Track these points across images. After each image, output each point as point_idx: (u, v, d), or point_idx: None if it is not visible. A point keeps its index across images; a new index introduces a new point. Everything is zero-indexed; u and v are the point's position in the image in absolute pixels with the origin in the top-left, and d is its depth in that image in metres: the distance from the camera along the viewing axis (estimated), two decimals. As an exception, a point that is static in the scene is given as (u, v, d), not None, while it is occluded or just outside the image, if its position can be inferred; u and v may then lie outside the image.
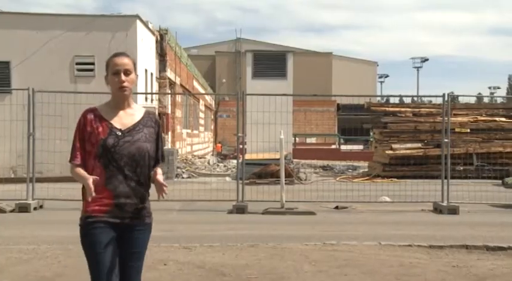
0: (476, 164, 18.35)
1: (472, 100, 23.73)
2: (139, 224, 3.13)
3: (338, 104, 40.40)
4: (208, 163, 23.37)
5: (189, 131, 28.69)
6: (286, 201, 10.35)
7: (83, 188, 3.03)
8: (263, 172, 15.56)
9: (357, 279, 5.58)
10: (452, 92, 15.96)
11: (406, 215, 10.27)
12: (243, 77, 33.71)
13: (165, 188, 3.06)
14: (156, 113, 18.93)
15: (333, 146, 33.66)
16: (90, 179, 2.94)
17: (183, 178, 17.60)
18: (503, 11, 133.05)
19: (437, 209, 10.52)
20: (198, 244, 7.07)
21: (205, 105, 36.80)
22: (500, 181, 12.55)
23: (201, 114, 34.40)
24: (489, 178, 16.02)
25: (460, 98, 22.67)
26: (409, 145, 19.27)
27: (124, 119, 3.12)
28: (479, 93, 56.31)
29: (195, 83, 31.98)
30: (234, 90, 36.05)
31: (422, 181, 13.33)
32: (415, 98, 27.05)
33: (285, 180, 10.46)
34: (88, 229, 3.05)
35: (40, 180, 11.41)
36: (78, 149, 3.09)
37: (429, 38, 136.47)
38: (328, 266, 6.05)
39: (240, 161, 11.22)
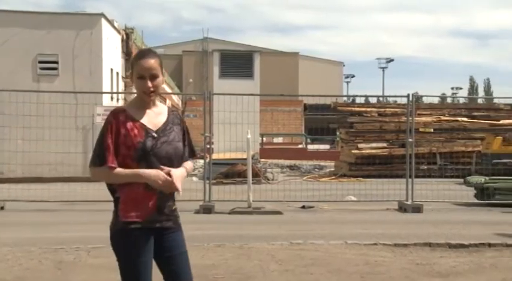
0: (440, 164, 18.68)
1: (436, 100, 24.12)
2: (175, 225, 3.05)
3: (305, 104, 40.60)
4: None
5: (156, 130, 28.43)
6: (253, 201, 10.35)
7: (112, 191, 2.92)
8: (230, 172, 15.55)
9: (323, 278, 5.60)
10: (416, 93, 16.11)
11: (372, 214, 10.39)
12: (210, 76, 33.59)
13: (179, 187, 2.91)
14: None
15: (300, 146, 33.80)
16: (160, 171, 2.83)
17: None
18: (461, 14, 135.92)
19: (402, 208, 10.67)
20: (164, 245, 7.00)
21: (172, 105, 36.58)
22: (462, 180, 12.77)
23: (168, 114, 34.13)
24: (452, 176, 16.33)
25: (424, 98, 23.05)
26: (374, 145, 19.52)
27: (154, 119, 2.98)
28: (443, 94, 57.39)
29: (162, 83, 31.70)
30: (201, 90, 35.89)
31: (388, 180, 13.50)
32: (381, 98, 27.44)
33: (252, 180, 10.47)
34: (130, 236, 2.87)
35: (1, 181, 11.16)
36: (113, 151, 2.87)
37: (394, 39, 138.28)
38: (294, 266, 6.07)
39: (207, 161, 11.18)
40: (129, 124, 2.90)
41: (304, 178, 17.90)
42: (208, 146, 11.44)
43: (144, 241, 2.89)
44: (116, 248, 2.93)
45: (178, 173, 2.91)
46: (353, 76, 69.82)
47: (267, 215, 10.00)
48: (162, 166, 2.86)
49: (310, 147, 33.38)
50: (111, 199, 2.96)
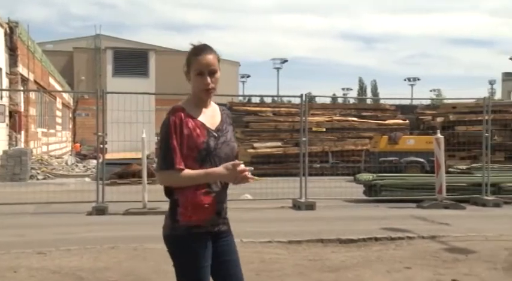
0: (332, 162, 19.40)
1: (328, 101, 24.99)
2: (228, 229, 2.91)
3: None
4: (66, 163, 22.34)
5: (45, 130, 27.24)
6: (148, 201, 10.18)
7: (168, 194, 2.80)
8: (124, 172, 15.22)
9: (218, 277, 5.63)
10: (309, 93, 16.65)
11: (267, 212, 10.57)
12: (103, 74, 32.65)
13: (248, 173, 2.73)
14: (7, 110, 17.75)
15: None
16: (227, 165, 2.67)
17: (38, 179, 16.68)
18: (351, 18, 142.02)
19: (296, 206, 10.95)
20: (53, 248, 6.71)
21: (63, 104, 35.17)
22: (352, 177, 13.34)
23: (58, 113, 32.81)
24: (343, 174, 17.00)
25: (316, 99, 23.88)
26: (269, 144, 19.89)
27: (211, 119, 2.84)
28: (334, 94, 59.53)
29: (51, 80, 30.44)
30: (93, 88, 34.78)
31: (282, 178, 13.79)
32: (275, 98, 27.98)
33: (148, 180, 10.29)
34: (192, 240, 2.73)
35: None
36: (179, 152, 2.70)
37: (288, 40, 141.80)
38: (190, 265, 6.03)
39: (100, 161, 10.86)
40: (191, 124, 2.74)
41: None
42: (101, 146, 11.13)
43: (205, 246, 2.76)
44: (175, 254, 2.79)
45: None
46: (248, 76, 70.73)
47: (162, 216, 9.79)
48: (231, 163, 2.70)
49: (207, 146, 33.39)
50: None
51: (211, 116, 2.84)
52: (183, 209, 2.74)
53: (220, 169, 2.69)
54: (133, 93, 12.42)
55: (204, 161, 2.72)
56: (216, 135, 2.78)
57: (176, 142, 2.70)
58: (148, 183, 10.25)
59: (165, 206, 9.75)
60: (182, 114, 2.75)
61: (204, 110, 2.83)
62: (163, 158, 2.72)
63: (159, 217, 10.47)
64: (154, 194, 11.16)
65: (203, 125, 2.77)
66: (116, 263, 6.10)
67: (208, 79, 2.75)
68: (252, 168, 2.74)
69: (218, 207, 2.78)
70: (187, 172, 2.70)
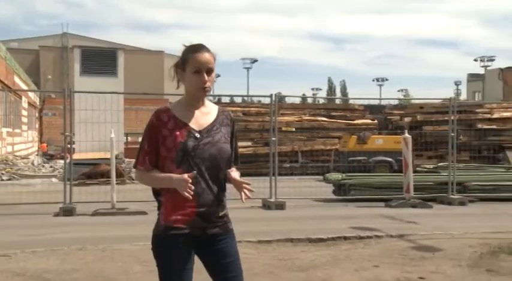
0: (301, 162, 19.48)
1: (297, 101, 25.11)
2: (223, 232, 2.82)
3: (170, 103, 40.32)
4: (33, 163, 21.96)
5: (10, 130, 26.71)
6: (117, 201, 10.08)
7: (156, 194, 2.79)
8: (93, 172, 15.03)
9: (188, 277, 5.60)
10: (279, 93, 16.67)
11: (237, 212, 10.44)
12: (70, 73, 32.21)
13: (248, 186, 2.77)
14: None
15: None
16: (184, 175, 2.59)
17: (2, 180, 16.36)
18: (319, 18, 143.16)
19: (266, 205, 10.96)
20: (18, 251, 6.58)
21: (29, 103, 34.52)
22: (322, 177, 13.43)
23: (24, 112, 32.22)
24: (312, 174, 17.10)
25: (286, 99, 23.94)
26: (239, 144, 19.84)
27: (200, 119, 2.77)
28: (304, 94, 59.82)
29: (16, 79, 29.84)
30: (60, 87, 34.28)
31: (253, 178, 13.76)
32: (245, 98, 27.99)
33: (116, 180, 10.20)
34: (167, 242, 2.71)
35: None
36: (148, 153, 2.72)
37: (258, 40, 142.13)
38: (159, 266, 5.99)
39: (67, 161, 10.70)
40: (171, 124, 2.71)
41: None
42: (69, 146, 10.98)
43: (184, 248, 2.72)
44: (154, 253, 2.77)
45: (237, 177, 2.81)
46: (218, 76, 70.50)
47: (131, 216, 9.79)
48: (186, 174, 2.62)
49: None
50: None
51: (201, 116, 2.79)
52: (164, 209, 2.75)
53: (174, 175, 2.65)
54: (101, 93, 12.27)
55: (182, 162, 2.68)
56: (198, 136, 2.72)
57: (148, 143, 2.72)
58: (117, 183, 10.16)
59: (134, 206, 9.66)
60: (165, 115, 2.74)
61: (194, 110, 2.78)
62: (136, 157, 2.78)
63: (128, 217, 10.43)
64: (123, 194, 11.07)
65: (185, 125, 2.73)
66: (84, 265, 6.02)
67: (206, 77, 2.72)
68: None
69: (201, 210, 2.71)
70: (151, 172, 2.73)
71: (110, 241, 7.27)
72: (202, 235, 2.75)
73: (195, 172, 2.64)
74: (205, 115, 2.80)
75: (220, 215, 2.81)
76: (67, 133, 10.59)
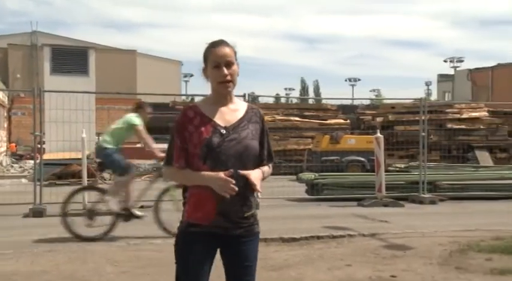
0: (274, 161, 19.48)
1: (271, 100, 25.20)
2: (247, 234, 2.76)
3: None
4: (1, 164, 21.59)
5: (-22, 129, 26.21)
6: (88, 202, 9.95)
7: (183, 191, 2.80)
8: (64, 173, 14.83)
9: (160, 278, 5.56)
10: (252, 92, 16.75)
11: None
12: (40, 72, 31.71)
13: (255, 186, 2.64)
14: None
15: (138, 145, 33.23)
16: (220, 173, 2.57)
17: (-29, 181, 16.04)
18: (292, 18, 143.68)
19: (239, 205, 10.93)
20: (-13, 253, 6.47)
21: (-2, 102, 33.90)
22: (295, 177, 13.47)
23: (-7, 112, 31.63)
24: (285, 174, 17.13)
25: (259, 98, 23.97)
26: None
27: (227, 116, 2.74)
28: (277, 94, 59.93)
29: (-15, 78, 29.30)
30: (30, 86, 33.76)
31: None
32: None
33: (88, 180, 10.07)
34: (187, 238, 2.72)
35: None
36: (181, 150, 2.70)
37: (230, 39, 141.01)
38: (131, 267, 5.95)
39: (37, 161, 10.54)
40: (197, 121, 2.70)
41: (143, 178, 17.61)
42: (39, 146, 10.82)
43: (202, 247, 2.70)
44: (175, 248, 2.77)
45: (255, 175, 2.66)
46: (191, 75, 70.28)
47: (103, 217, 9.66)
48: (231, 170, 2.60)
49: (149, 146, 33.02)
50: None
51: (228, 112, 2.77)
52: (188, 207, 2.77)
53: (214, 174, 2.61)
54: (72, 92, 12.12)
55: (207, 158, 2.66)
56: (224, 132, 2.69)
57: (179, 140, 2.72)
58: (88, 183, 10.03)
59: (105, 207, 9.49)
60: (191, 111, 2.74)
61: (221, 107, 2.76)
62: (166, 155, 2.79)
63: (99, 218, 10.18)
64: (94, 195, 10.94)
65: (211, 121, 2.71)
66: (54, 267, 5.93)
67: (225, 70, 2.70)
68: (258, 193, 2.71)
69: (222, 208, 2.66)
70: (185, 170, 2.71)
71: (81, 242, 7.19)
72: (225, 235, 2.72)
73: (232, 170, 2.61)
74: (233, 112, 2.78)
75: (245, 215, 2.75)
76: (37, 133, 10.43)
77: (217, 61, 2.70)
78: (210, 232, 2.69)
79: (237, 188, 2.57)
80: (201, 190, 2.67)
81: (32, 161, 12.36)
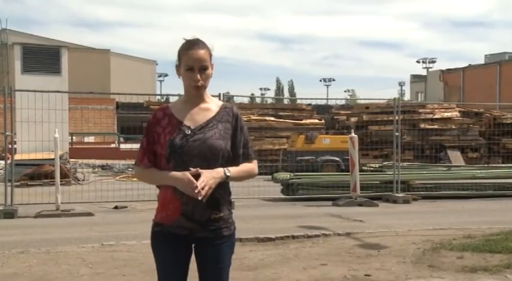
0: (249, 161, 19.48)
1: (246, 100, 25.16)
2: (214, 237, 2.69)
3: (117, 102, 39.70)
4: (-28, 164, 21.16)
5: None
6: (61, 203, 9.84)
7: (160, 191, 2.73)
8: (36, 173, 14.61)
9: (135, 279, 5.52)
10: (228, 92, 16.63)
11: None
12: (11, 71, 31.20)
13: (201, 184, 2.52)
14: None
15: (113, 145, 32.92)
16: (186, 173, 2.54)
17: None
18: (267, 19, 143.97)
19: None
20: (-43, 255, 6.34)
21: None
22: (270, 177, 13.50)
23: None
24: (261, 174, 17.11)
25: (235, 98, 23.86)
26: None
27: (196, 116, 2.70)
28: (252, 94, 60.09)
29: (-45, 76, 28.73)
30: (0, 85, 33.21)
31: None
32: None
33: (61, 181, 9.96)
34: (157, 238, 2.75)
35: None
36: (146, 151, 2.70)
37: (205, 39, 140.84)
38: (106, 268, 5.88)
39: (8, 161, 10.37)
40: (165, 122, 2.69)
41: (117, 178, 17.47)
42: (10, 146, 10.65)
43: (168, 246, 2.71)
44: (151, 245, 2.81)
45: (207, 175, 2.55)
46: (166, 75, 69.97)
47: (77, 217, 9.57)
48: (191, 168, 2.55)
49: (123, 146, 32.71)
50: None
51: (198, 112, 2.72)
52: (157, 206, 2.78)
53: (179, 174, 2.57)
54: (44, 92, 11.94)
55: (171, 159, 2.63)
56: (188, 132, 2.65)
57: (145, 140, 2.73)
58: (61, 184, 9.93)
59: (80, 207, 9.42)
60: (161, 113, 2.74)
61: (192, 106, 2.73)
62: (136, 155, 2.79)
63: (73, 219, 10.19)
64: (68, 195, 10.82)
65: (178, 122, 2.69)
66: (26, 269, 5.84)
67: (198, 76, 2.66)
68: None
69: (185, 209, 2.62)
70: (150, 170, 2.71)
71: (54, 243, 7.10)
72: (192, 237, 2.69)
73: (198, 169, 2.56)
74: (204, 111, 2.73)
75: (212, 217, 2.67)
76: (8, 133, 10.27)
77: (191, 65, 2.66)
78: (174, 232, 2.67)
79: (200, 188, 2.50)
80: (166, 190, 2.66)
81: (2, 162, 12.15)
